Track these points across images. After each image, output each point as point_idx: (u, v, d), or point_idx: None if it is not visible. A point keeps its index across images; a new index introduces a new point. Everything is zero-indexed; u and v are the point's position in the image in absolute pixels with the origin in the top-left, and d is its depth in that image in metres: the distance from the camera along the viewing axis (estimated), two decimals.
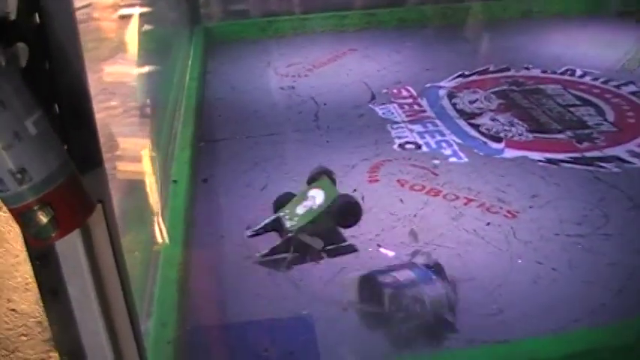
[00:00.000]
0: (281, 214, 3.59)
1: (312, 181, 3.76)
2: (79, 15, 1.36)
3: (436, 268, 3.11)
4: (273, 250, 3.45)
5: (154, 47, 4.75)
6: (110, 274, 1.41)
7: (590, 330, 2.87)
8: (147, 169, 3.47)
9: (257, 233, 3.60)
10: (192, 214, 3.81)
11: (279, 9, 7.40)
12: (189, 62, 5.76)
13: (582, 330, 2.88)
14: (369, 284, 3.08)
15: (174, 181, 3.87)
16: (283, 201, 3.62)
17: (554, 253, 3.44)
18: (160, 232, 3.37)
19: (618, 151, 4.48)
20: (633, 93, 5.40)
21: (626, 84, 5.58)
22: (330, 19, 7.10)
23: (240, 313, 3.11)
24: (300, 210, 3.58)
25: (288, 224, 3.52)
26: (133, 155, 3.42)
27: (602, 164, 4.31)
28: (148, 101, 4.09)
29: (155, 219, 3.37)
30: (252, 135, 4.76)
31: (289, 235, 3.46)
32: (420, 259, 3.20)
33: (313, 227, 3.50)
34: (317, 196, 3.63)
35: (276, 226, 3.58)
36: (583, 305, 3.06)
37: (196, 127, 4.71)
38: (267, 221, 3.62)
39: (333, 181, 3.75)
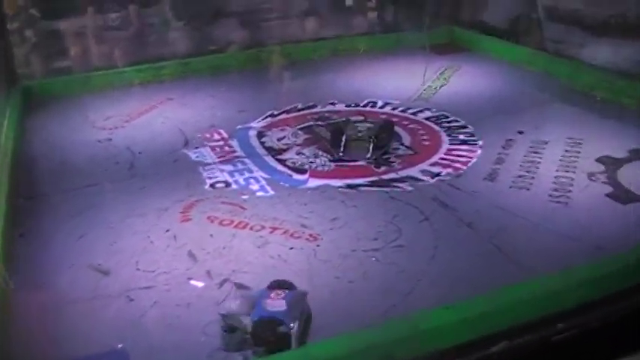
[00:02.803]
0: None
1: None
2: None
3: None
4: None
5: None
6: None
7: (377, 328, 3.17)
8: None
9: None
10: (10, 266, 3.89)
11: (99, 64, 7.59)
12: (6, 122, 5.79)
13: (371, 328, 3.18)
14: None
15: None
16: None
17: (351, 267, 3.76)
18: None
19: (413, 171, 4.89)
20: (428, 118, 5.88)
21: (422, 111, 6.07)
22: (147, 70, 7.32)
23: (59, 355, 3.25)
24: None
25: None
26: None
27: (397, 184, 4.70)
28: None
29: None
30: (70, 188, 4.86)
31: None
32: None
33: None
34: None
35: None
36: (376, 309, 3.38)
37: (13, 184, 4.78)
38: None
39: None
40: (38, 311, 3.55)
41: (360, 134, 5.21)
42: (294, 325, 3.04)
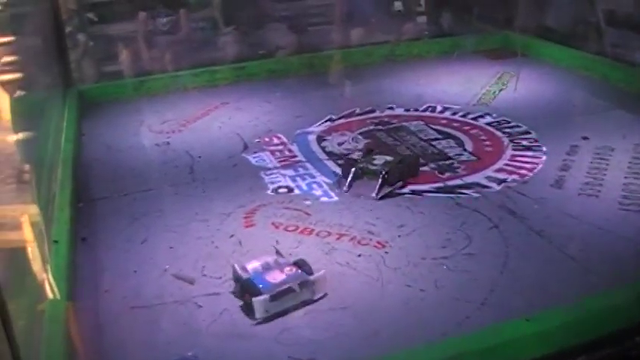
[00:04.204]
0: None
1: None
2: None
3: None
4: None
5: (28, 112, 4.82)
6: None
7: (455, 339, 3.10)
8: (28, 234, 3.55)
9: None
10: (75, 271, 3.88)
11: (151, 68, 7.62)
12: (64, 125, 5.81)
13: (449, 339, 3.11)
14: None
15: (55, 242, 3.94)
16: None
17: (421, 275, 3.68)
18: (45, 292, 3.44)
19: (477, 177, 4.80)
20: (489, 124, 5.79)
21: (482, 116, 5.98)
22: (202, 74, 7.30)
23: None
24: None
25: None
26: (13, 222, 3.50)
27: (463, 191, 4.61)
28: (26, 167, 4.15)
29: (38, 281, 3.44)
30: (130, 192, 4.85)
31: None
32: None
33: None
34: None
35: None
36: (450, 319, 3.31)
37: (74, 187, 4.77)
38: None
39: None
40: (105, 318, 3.53)
41: (373, 167, 4.76)
42: (260, 298, 3.34)
